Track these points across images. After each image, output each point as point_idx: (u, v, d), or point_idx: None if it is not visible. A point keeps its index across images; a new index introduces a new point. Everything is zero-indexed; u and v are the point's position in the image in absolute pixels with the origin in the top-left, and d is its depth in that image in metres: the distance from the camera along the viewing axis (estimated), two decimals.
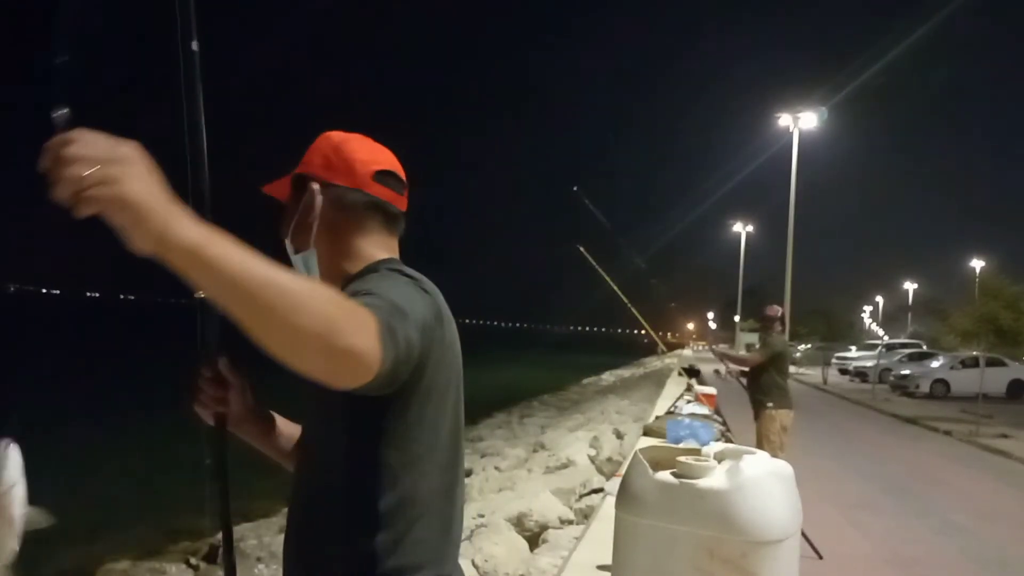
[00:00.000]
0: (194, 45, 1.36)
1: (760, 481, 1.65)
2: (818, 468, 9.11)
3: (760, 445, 6.02)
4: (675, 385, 15.97)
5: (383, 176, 1.34)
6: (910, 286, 65.48)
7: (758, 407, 6.25)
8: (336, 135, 1.38)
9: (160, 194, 0.82)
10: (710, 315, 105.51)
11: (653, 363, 41.78)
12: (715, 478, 1.64)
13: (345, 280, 1.30)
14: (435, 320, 1.18)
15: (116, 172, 0.78)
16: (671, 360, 36.06)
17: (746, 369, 6.44)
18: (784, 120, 28.47)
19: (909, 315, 60.87)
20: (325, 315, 0.89)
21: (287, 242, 1.36)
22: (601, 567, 4.03)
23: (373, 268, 1.30)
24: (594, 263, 6.43)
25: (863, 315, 76.98)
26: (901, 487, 8.65)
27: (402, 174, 1.38)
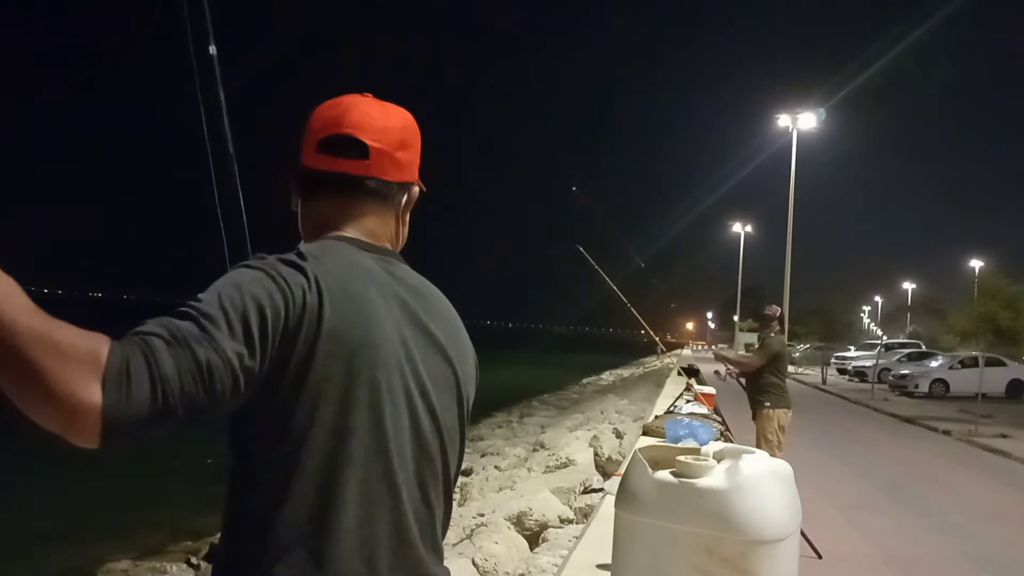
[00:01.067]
0: (212, 49, 1.38)
1: (759, 481, 1.65)
2: (817, 468, 9.12)
3: (758, 444, 6.04)
4: (674, 385, 15.97)
5: (333, 144, 1.15)
6: (909, 286, 65.51)
7: (756, 406, 6.29)
8: (333, 100, 1.20)
9: None
10: (709, 315, 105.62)
11: (652, 363, 41.79)
12: (714, 477, 1.64)
13: None
14: (293, 310, 0.97)
15: None
16: (670, 360, 36.08)
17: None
18: (783, 121, 28.49)
19: (908, 315, 60.88)
20: (18, 369, 0.77)
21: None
22: (601, 566, 4.04)
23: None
24: (593, 263, 6.43)
25: (862, 315, 77.02)
26: (900, 487, 8.65)
27: (360, 132, 1.15)
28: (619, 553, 1.78)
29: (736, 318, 51.18)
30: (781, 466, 1.80)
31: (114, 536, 7.36)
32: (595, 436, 9.77)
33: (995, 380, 21.48)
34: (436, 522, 1.12)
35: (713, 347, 11.71)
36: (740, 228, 49.58)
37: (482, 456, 10.79)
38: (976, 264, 39.26)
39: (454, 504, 6.78)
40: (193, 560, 6.38)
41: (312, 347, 0.98)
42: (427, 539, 1.09)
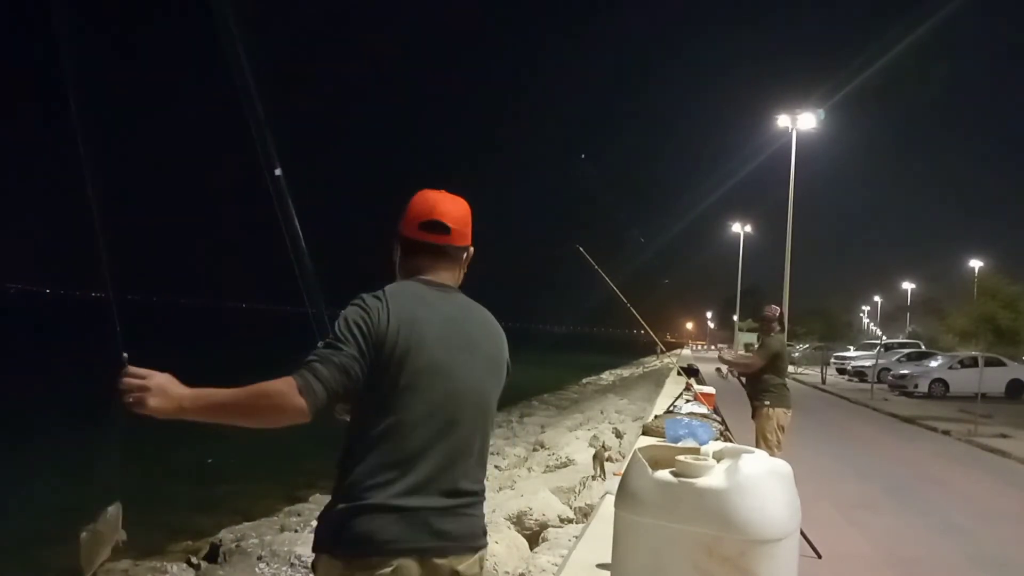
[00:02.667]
0: (277, 171, 2.00)
1: (759, 480, 1.65)
2: (817, 468, 9.12)
3: (757, 444, 6.05)
4: (674, 384, 15.97)
5: (432, 225, 1.84)
6: (908, 286, 65.52)
7: (756, 406, 6.29)
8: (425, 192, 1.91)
9: (167, 396, 1.59)
10: (709, 315, 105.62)
11: (652, 362, 41.78)
12: (714, 477, 1.64)
13: None
14: (376, 325, 1.68)
15: (144, 397, 1.58)
16: (670, 360, 36.07)
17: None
18: (783, 121, 28.50)
19: (908, 315, 60.88)
20: (260, 407, 1.61)
21: None
22: (601, 565, 4.04)
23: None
24: (593, 263, 6.43)
25: (861, 315, 77.04)
26: (900, 486, 8.66)
27: (445, 219, 1.85)
28: (619, 552, 1.78)
29: (736, 318, 51.18)
30: (781, 466, 1.80)
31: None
32: (595, 436, 9.78)
33: (995, 380, 21.48)
34: (471, 458, 1.77)
35: (716, 348, 11.40)
36: (740, 228, 49.58)
37: None
38: (976, 264, 39.27)
39: None
40: (193, 560, 6.37)
41: (390, 349, 1.67)
42: (461, 468, 1.74)
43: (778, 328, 6.47)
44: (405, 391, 1.67)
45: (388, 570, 1.62)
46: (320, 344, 1.68)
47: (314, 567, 1.71)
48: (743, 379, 6.53)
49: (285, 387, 1.58)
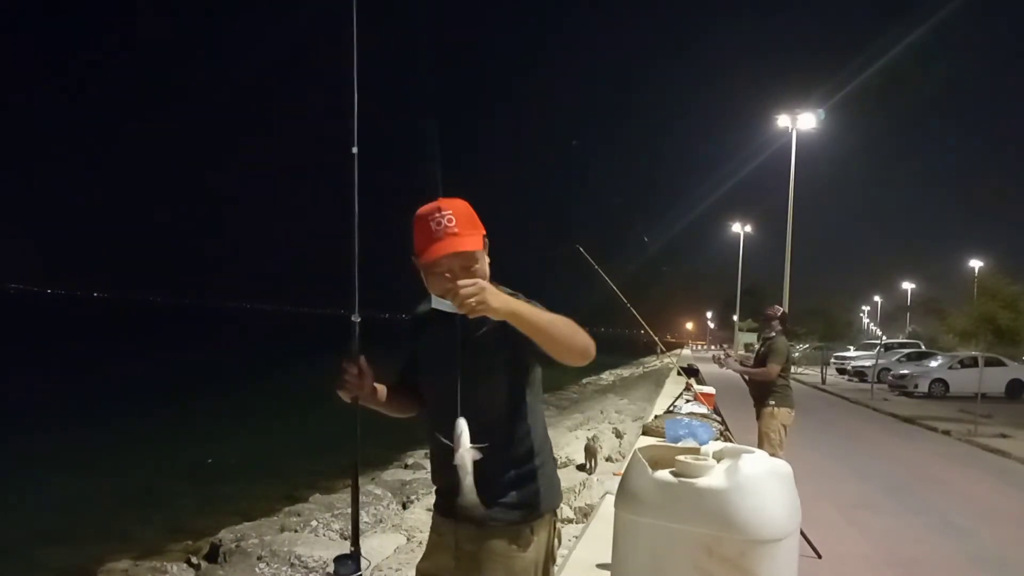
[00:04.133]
0: (354, 149, 1.96)
1: (759, 480, 1.65)
2: (817, 467, 9.12)
3: (760, 443, 6.03)
4: (674, 384, 15.97)
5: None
6: (908, 286, 65.48)
7: (760, 405, 6.25)
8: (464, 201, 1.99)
9: (499, 297, 1.63)
10: (708, 315, 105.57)
11: (652, 362, 41.75)
12: (714, 477, 1.64)
13: None
14: (410, 332, 2.05)
15: (485, 296, 1.60)
16: (670, 360, 36.06)
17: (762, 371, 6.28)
18: (783, 121, 28.50)
19: (908, 315, 60.85)
20: (577, 338, 1.69)
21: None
22: (600, 565, 4.04)
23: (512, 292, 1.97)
24: (593, 263, 6.42)
25: (861, 315, 76.98)
26: (900, 486, 8.65)
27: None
28: (619, 552, 1.78)
29: (736, 318, 51.16)
30: (781, 466, 1.80)
31: (114, 536, 7.35)
32: (595, 436, 9.77)
33: (995, 380, 21.48)
34: (484, 430, 1.79)
35: (727, 357, 10.98)
36: (740, 228, 49.58)
37: None
38: (976, 264, 39.23)
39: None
40: (193, 560, 6.37)
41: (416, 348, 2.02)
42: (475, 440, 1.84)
43: (779, 328, 6.43)
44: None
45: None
46: None
47: (534, 530, 1.79)
48: (746, 376, 6.46)
49: (584, 332, 1.72)
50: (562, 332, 1.67)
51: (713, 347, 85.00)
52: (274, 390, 21.40)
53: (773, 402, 6.14)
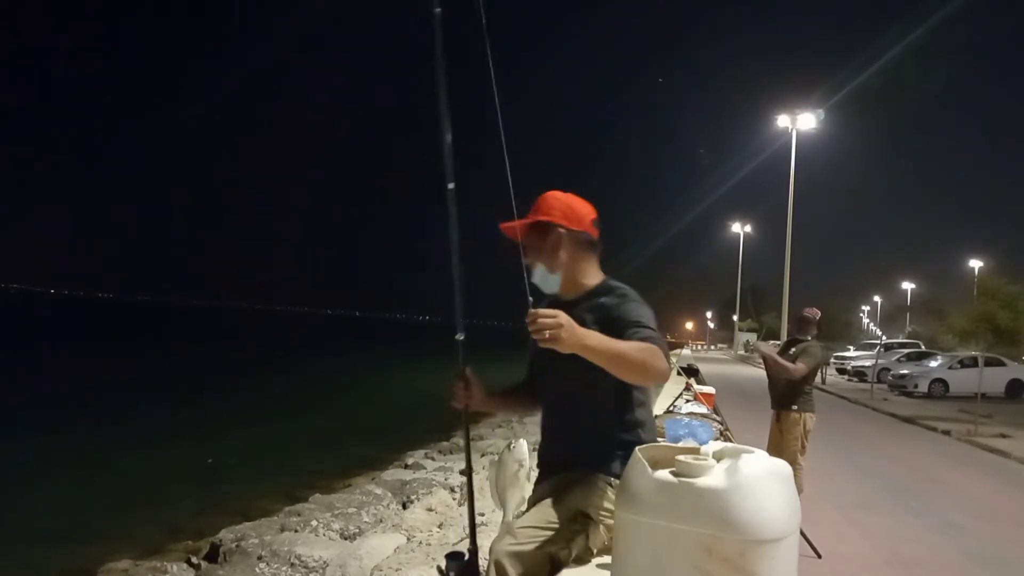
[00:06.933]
0: (450, 185, 2.12)
1: (759, 480, 1.66)
2: (817, 468, 9.12)
3: (779, 446, 5.77)
4: (674, 384, 15.95)
5: (596, 222, 2.24)
6: (908, 286, 65.53)
7: (781, 408, 5.96)
8: (560, 194, 2.22)
9: (574, 332, 1.77)
10: (708, 315, 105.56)
11: None
12: (714, 477, 1.64)
13: (584, 290, 2.21)
14: None
15: (559, 332, 1.76)
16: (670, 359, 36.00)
17: (790, 368, 5.82)
18: (783, 121, 28.52)
19: (907, 315, 60.86)
20: (648, 364, 1.88)
21: (539, 264, 2.20)
22: (600, 566, 4.04)
23: (607, 287, 2.19)
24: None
25: (861, 315, 76.98)
26: (900, 486, 8.66)
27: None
28: (618, 552, 1.79)
29: (736, 318, 51.19)
30: (781, 466, 1.81)
31: (114, 536, 7.35)
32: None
33: (994, 380, 21.50)
34: (578, 415, 2.22)
35: (757, 344, 10.20)
36: (740, 228, 49.61)
37: (482, 456, 10.78)
38: (976, 264, 39.24)
39: (454, 503, 6.78)
40: (193, 560, 6.37)
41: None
42: (568, 424, 2.28)
43: (815, 332, 6.18)
44: None
45: None
46: (649, 325, 2.02)
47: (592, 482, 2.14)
48: (770, 365, 6.02)
49: (657, 353, 1.89)
50: (631, 365, 1.86)
51: (712, 347, 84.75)
52: (274, 390, 21.41)
53: (797, 407, 5.85)
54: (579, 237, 2.21)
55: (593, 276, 2.24)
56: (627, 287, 2.17)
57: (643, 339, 1.94)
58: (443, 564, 2.21)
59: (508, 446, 2.26)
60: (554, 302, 2.16)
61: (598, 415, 2.18)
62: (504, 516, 2.20)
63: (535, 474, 2.34)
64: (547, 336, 1.76)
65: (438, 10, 2.14)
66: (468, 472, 2.54)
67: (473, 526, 2.39)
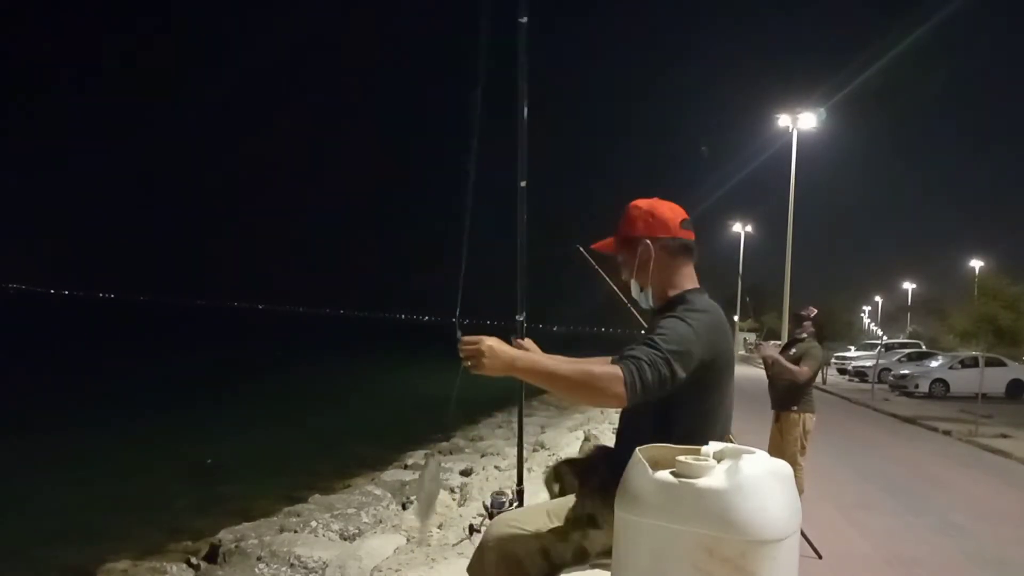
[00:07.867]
0: (522, 183, 2.25)
1: (759, 480, 1.65)
2: (817, 468, 9.10)
3: (779, 447, 5.76)
4: None
5: (686, 223, 2.08)
6: (909, 286, 65.51)
7: (781, 409, 5.96)
8: (643, 202, 2.10)
9: (497, 356, 1.78)
10: None
11: None
12: (714, 477, 1.64)
13: (661, 304, 2.07)
14: (706, 343, 1.89)
15: (480, 360, 1.78)
16: None
17: (796, 369, 5.83)
18: (783, 121, 28.52)
19: (908, 315, 60.85)
20: (585, 387, 1.78)
21: (633, 282, 2.11)
22: (600, 566, 4.03)
23: (678, 299, 2.03)
24: (594, 263, 6.40)
25: (862, 315, 76.95)
26: (900, 487, 8.66)
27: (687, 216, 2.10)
28: (619, 553, 1.78)
29: (736, 318, 51.15)
30: (782, 466, 1.80)
31: (114, 536, 7.35)
32: (587, 438, 9.77)
33: (995, 380, 21.49)
34: (637, 420, 2.03)
35: (762, 346, 10.05)
36: (740, 228, 49.60)
37: (482, 456, 10.78)
38: (976, 264, 39.27)
39: (454, 504, 6.78)
40: (193, 560, 6.36)
41: (711, 357, 1.95)
42: (626, 428, 2.13)
43: (812, 331, 6.15)
44: (711, 387, 1.98)
45: None
46: (659, 341, 1.83)
47: None
48: (772, 366, 6.00)
49: (611, 376, 1.75)
50: (570, 388, 1.81)
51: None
52: (274, 390, 21.41)
53: (797, 407, 5.84)
54: (668, 244, 2.06)
55: (676, 286, 2.07)
56: (696, 301, 2.01)
57: (623, 357, 1.82)
58: (487, 501, 2.32)
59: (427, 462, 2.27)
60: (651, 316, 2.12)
61: (652, 422, 2.03)
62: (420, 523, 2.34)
63: (448, 496, 2.47)
64: (469, 364, 1.79)
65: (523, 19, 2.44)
66: (520, 415, 3.01)
67: (520, 467, 2.57)
